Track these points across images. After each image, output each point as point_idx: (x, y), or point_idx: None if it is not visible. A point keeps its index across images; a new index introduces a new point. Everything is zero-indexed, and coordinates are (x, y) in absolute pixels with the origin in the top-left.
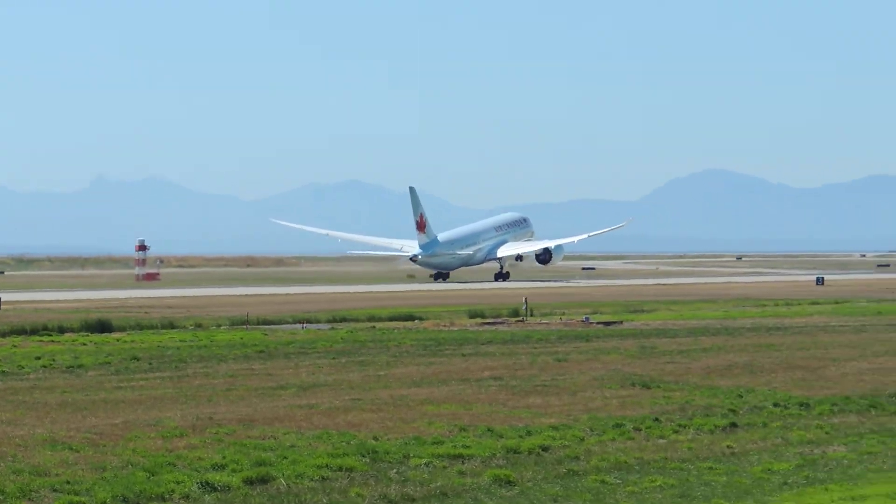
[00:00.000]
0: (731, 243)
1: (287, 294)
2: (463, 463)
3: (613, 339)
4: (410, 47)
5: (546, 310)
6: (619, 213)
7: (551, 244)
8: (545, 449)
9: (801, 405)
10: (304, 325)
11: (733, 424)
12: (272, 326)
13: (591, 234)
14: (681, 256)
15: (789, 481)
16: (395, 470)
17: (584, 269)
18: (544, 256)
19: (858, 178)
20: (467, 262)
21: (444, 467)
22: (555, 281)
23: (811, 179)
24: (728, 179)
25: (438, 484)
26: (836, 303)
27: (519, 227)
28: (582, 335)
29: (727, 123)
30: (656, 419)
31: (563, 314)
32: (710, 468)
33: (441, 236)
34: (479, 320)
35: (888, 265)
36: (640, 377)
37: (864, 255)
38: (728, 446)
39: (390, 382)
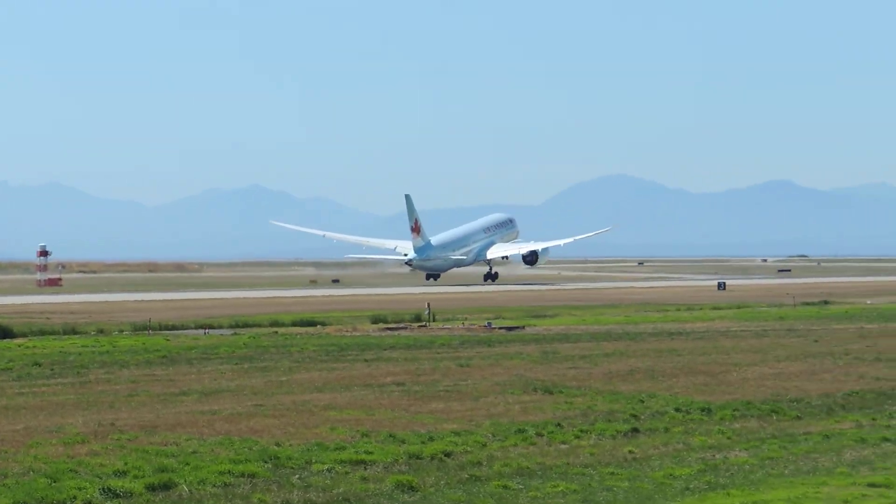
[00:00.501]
0: (633, 248)
1: (189, 299)
2: (365, 469)
3: (516, 344)
4: (309, 54)
5: (449, 315)
6: (523, 217)
7: (538, 246)
8: (448, 454)
9: (703, 410)
10: (207, 330)
11: (635, 429)
12: (174, 332)
13: (576, 237)
14: (583, 261)
15: (691, 486)
16: (297, 476)
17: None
18: (531, 258)
19: (758, 183)
20: (459, 264)
21: (347, 473)
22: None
23: (712, 184)
24: (630, 184)
25: (341, 490)
26: (738, 308)
27: (505, 227)
28: (485, 340)
29: (629, 129)
30: (558, 424)
31: (466, 319)
32: (612, 473)
33: (434, 240)
34: (381, 325)
35: (789, 270)
36: (543, 382)
37: (765, 260)
38: (630, 451)
39: (293, 388)
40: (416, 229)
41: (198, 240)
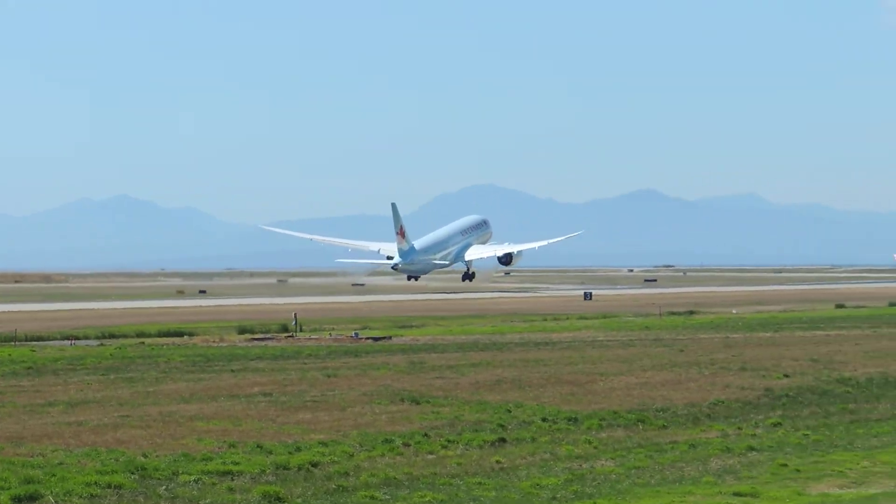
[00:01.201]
0: None
1: (56, 310)
2: (232, 479)
3: (383, 354)
4: (176, 65)
5: (316, 325)
6: (391, 228)
7: (514, 249)
8: (315, 465)
9: (570, 420)
10: (73, 341)
11: (502, 439)
12: (41, 343)
13: (550, 241)
14: (453, 272)
15: (558, 496)
16: (164, 487)
17: (353, 285)
18: (506, 259)
19: (625, 192)
20: (440, 266)
21: (214, 484)
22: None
23: (579, 194)
24: (496, 194)
25: (208, 501)
26: (604, 318)
27: (480, 229)
28: (351, 351)
29: (496, 138)
30: (425, 434)
31: (333, 329)
32: (480, 483)
33: (417, 244)
34: (248, 336)
35: (655, 280)
36: (410, 392)
37: (631, 270)
38: (497, 461)
39: (159, 399)
40: (401, 234)
41: (65, 250)
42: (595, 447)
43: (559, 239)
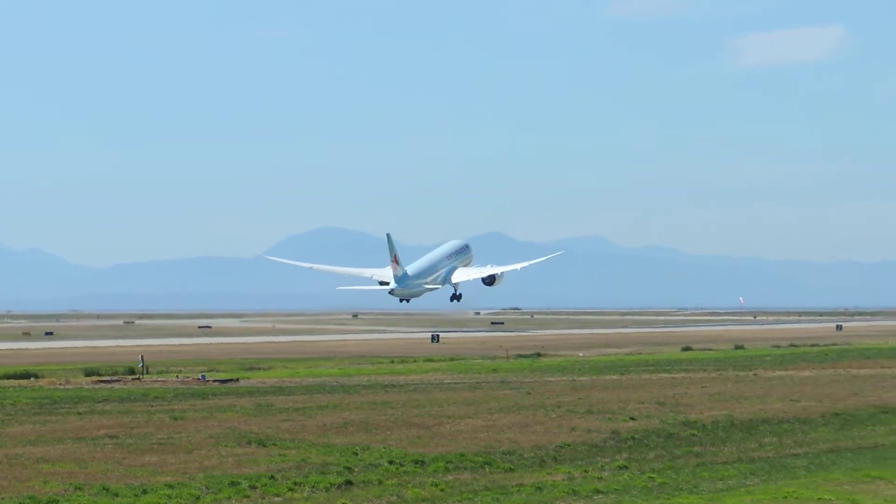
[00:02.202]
0: (347, 302)
1: None
2: None
3: (230, 396)
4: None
5: (163, 367)
6: (239, 269)
7: (497, 270)
8: None
9: (417, 462)
10: None
11: (349, 482)
12: None
13: (531, 262)
14: (298, 314)
15: None
16: None
17: (200, 327)
18: (489, 280)
19: (473, 235)
20: (430, 289)
21: None
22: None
23: (426, 236)
24: (340, 236)
25: None
26: (452, 360)
27: (463, 253)
28: (199, 393)
29: (342, 181)
30: (272, 477)
31: (180, 372)
32: None
33: (410, 269)
34: (95, 378)
35: (502, 322)
36: (257, 435)
37: (478, 313)
38: None
39: (5, 441)
40: (395, 261)
41: None
42: (442, 490)
43: (539, 260)
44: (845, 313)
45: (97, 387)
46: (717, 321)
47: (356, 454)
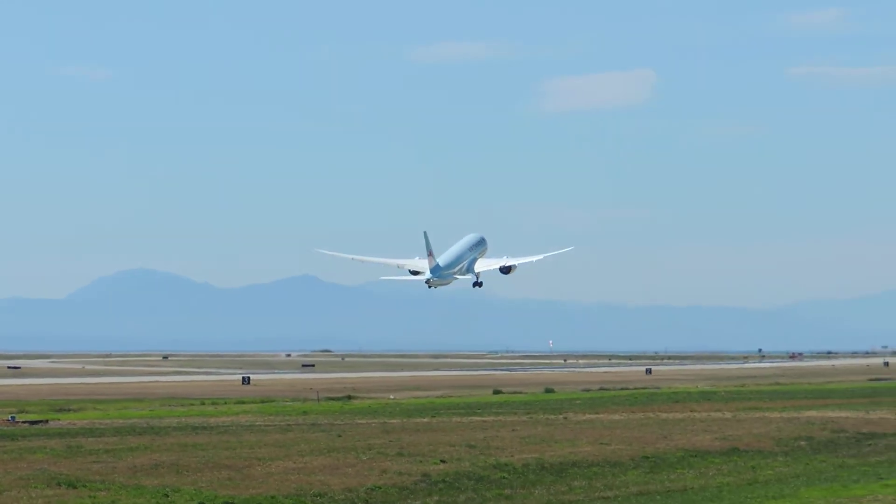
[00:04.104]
0: (159, 343)
1: None
2: None
3: (40, 438)
4: None
5: None
6: (49, 311)
7: (513, 262)
8: None
9: None
10: None
11: None
12: None
13: (545, 254)
14: (107, 356)
15: None
16: None
17: (9, 367)
18: (506, 270)
19: (283, 278)
20: (457, 279)
21: None
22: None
23: (236, 279)
24: (155, 278)
25: None
26: (263, 402)
27: (481, 245)
28: (8, 434)
29: (154, 222)
30: None
31: None
32: None
33: (440, 260)
34: None
35: (313, 365)
36: (67, 477)
37: (289, 355)
38: None
39: None
40: (431, 255)
41: None
42: None
43: (552, 253)
44: (655, 357)
45: None
46: (527, 364)
47: (167, 496)
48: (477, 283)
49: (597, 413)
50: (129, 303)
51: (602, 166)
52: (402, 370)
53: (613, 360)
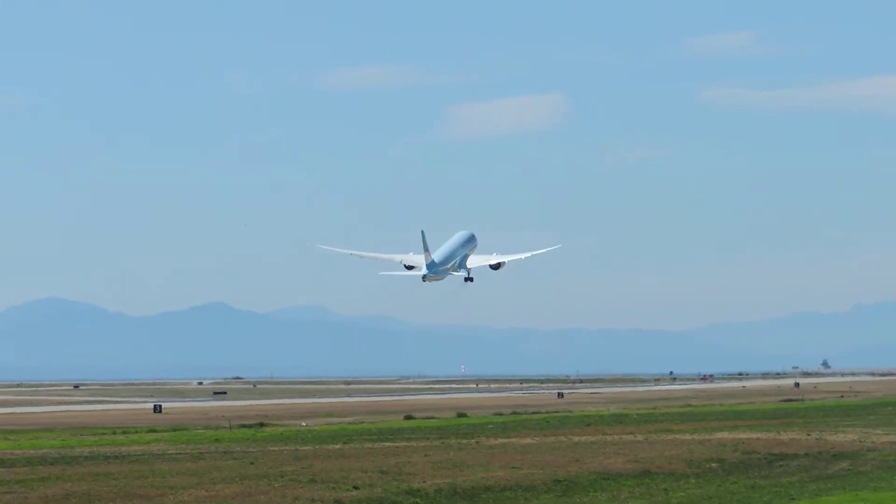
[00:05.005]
0: (70, 371)
1: None
2: None
3: None
4: None
5: None
6: None
7: (503, 259)
8: None
9: None
10: None
11: None
12: None
13: (533, 252)
14: (18, 385)
15: None
16: None
17: None
18: (496, 266)
19: (195, 305)
20: (451, 274)
21: None
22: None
23: (149, 307)
24: (65, 307)
25: None
26: (175, 430)
27: (471, 242)
28: None
29: (64, 251)
30: None
31: None
32: None
33: (436, 257)
34: None
35: (225, 393)
36: None
37: (201, 383)
38: None
39: None
40: (427, 252)
41: None
42: None
43: (540, 252)
44: (567, 381)
45: None
46: (439, 389)
47: None
48: (468, 279)
49: (509, 437)
50: (40, 332)
51: (511, 191)
52: (314, 397)
53: (525, 385)
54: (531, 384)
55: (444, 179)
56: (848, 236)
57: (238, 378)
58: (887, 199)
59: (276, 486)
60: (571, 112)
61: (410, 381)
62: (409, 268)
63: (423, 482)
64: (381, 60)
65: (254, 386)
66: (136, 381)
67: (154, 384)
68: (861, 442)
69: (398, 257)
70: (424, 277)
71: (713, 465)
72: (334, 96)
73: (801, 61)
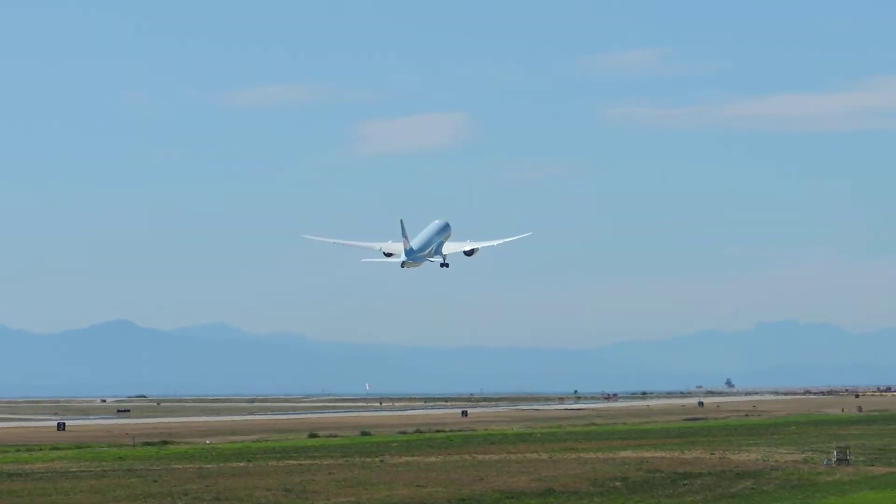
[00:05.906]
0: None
1: None
2: None
3: None
4: None
5: None
6: None
7: (476, 245)
8: None
9: None
10: None
11: None
12: None
13: (505, 239)
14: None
15: None
16: None
17: None
18: (470, 252)
19: (98, 323)
20: (429, 260)
21: None
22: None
23: (51, 325)
24: None
25: None
26: (78, 448)
27: (445, 230)
28: None
29: None
30: None
31: None
32: None
33: (414, 244)
34: None
35: (129, 410)
36: None
37: (104, 401)
38: None
39: None
40: (406, 240)
41: None
42: None
43: (511, 239)
44: (471, 399)
45: None
46: (343, 408)
47: None
48: (444, 265)
49: (413, 455)
50: None
51: (416, 208)
52: (218, 415)
53: (429, 403)
54: (435, 402)
55: (350, 196)
56: (751, 255)
57: (142, 396)
58: (791, 219)
59: None
60: (476, 130)
61: (314, 399)
62: (389, 255)
63: (327, 500)
64: (291, 78)
65: (157, 404)
66: (39, 399)
67: (57, 402)
68: (764, 461)
69: (378, 245)
70: (403, 264)
71: (617, 483)
72: (243, 112)
73: (704, 80)
